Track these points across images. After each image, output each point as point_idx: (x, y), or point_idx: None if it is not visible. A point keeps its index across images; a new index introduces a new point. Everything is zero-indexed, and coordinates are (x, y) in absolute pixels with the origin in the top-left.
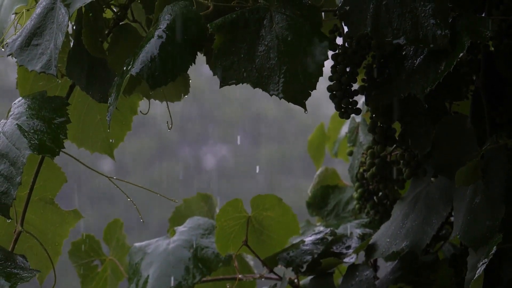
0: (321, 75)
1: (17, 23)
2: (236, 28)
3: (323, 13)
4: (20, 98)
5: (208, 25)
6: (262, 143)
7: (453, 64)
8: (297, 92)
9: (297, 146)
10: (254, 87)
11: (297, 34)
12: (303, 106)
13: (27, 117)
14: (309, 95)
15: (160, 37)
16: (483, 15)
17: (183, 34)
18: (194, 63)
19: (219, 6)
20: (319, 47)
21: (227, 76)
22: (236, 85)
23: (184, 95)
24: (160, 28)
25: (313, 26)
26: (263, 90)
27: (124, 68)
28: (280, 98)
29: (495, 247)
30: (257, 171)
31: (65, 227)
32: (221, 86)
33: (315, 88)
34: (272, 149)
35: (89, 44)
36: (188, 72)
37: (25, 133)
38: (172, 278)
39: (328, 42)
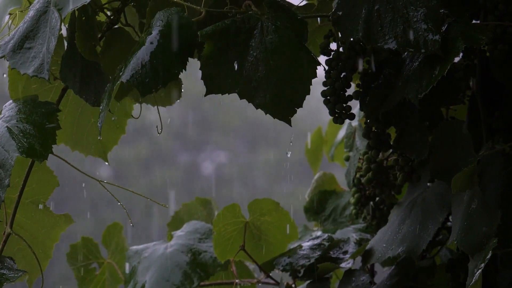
0: (308, 93)
1: (11, 24)
2: (226, 37)
3: (318, 18)
4: (11, 101)
5: (198, 33)
6: (260, 149)
7: (447, 69)
8: (283, 109)
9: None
10: (241, 98)
11: (287, 48)
12: (288, 122)
13: (17, 121)
14: (295, 112)
15: (151, 43)
16: (478, 20)
17: (175, 41)
18: (185, 70)
19: (211, 12)
20: (307, 65)
21: (213, 84)
22: (222, 94)
23: (176, 100)
24: (151, 34)
25: (300, 41)
26: (248, 102)
27: (116, 74)
28: (266, 113)
29: (490, 251)
30: (255, 176)
31: (56, 231)
32: (206, 94)
33: (301, 106)
34: (270, 154)
35: (83, 48)
36: (186, 78)
37: (14, 136)
38: (170, 283)
39: (315, 62)
